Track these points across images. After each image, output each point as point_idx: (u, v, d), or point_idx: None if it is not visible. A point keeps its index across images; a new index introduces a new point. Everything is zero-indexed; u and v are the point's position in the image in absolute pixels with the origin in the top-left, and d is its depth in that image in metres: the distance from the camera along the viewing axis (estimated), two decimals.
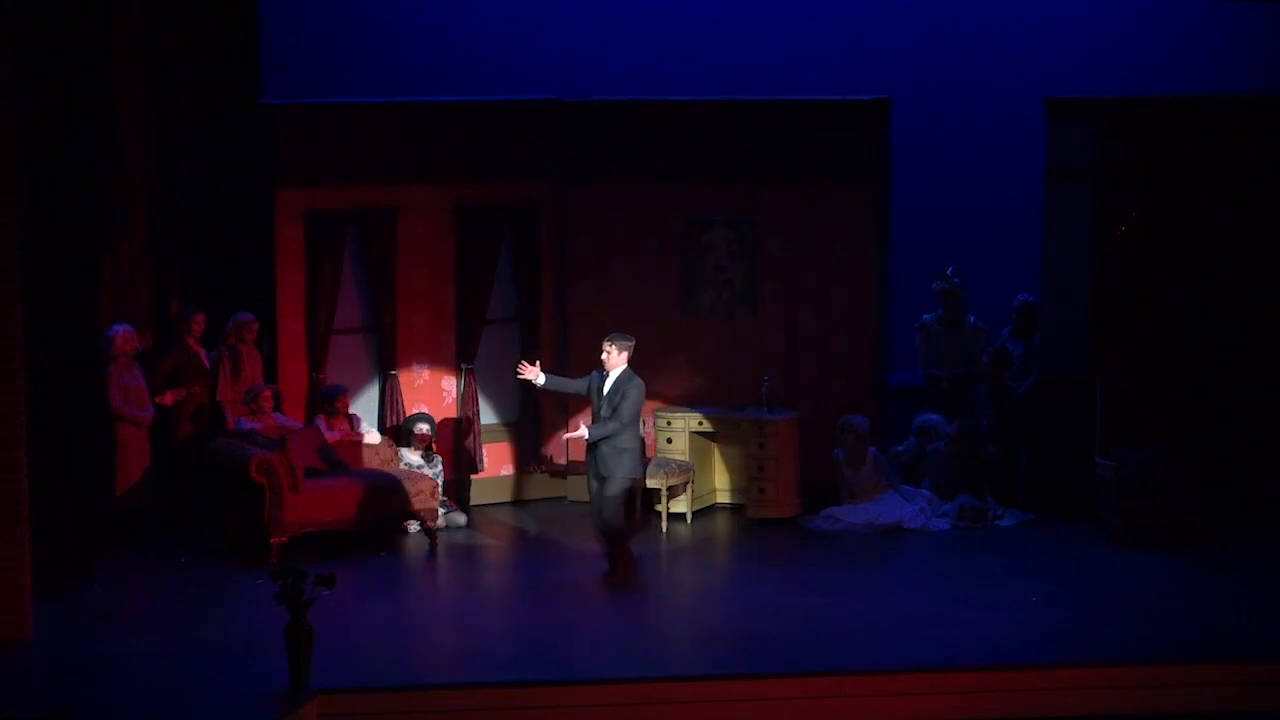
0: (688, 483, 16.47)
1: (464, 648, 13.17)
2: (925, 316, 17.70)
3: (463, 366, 16.76)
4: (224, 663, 12.44)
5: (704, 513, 16.62)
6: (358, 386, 16.46)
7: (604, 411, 14.22)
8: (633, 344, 14.42)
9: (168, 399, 15.66)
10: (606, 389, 14.25)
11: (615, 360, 14.29)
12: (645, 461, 14.75)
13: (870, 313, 17.05)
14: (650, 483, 16.28)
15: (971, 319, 17.61)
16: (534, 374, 14.53)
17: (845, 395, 16.88)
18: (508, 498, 17.08)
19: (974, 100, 19.07)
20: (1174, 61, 18.77)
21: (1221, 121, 16.19)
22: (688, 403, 16.87)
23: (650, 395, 16.71)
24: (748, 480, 16.49)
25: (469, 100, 16.98)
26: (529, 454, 17.15)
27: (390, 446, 16.01)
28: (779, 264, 17.09)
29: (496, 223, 16.88)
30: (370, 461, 15.80)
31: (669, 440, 16.63)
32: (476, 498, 16.81)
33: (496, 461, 17.05)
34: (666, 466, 16.33)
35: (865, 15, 19.10)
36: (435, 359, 16.67)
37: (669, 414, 16.70)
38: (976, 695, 12.34)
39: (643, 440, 14.58)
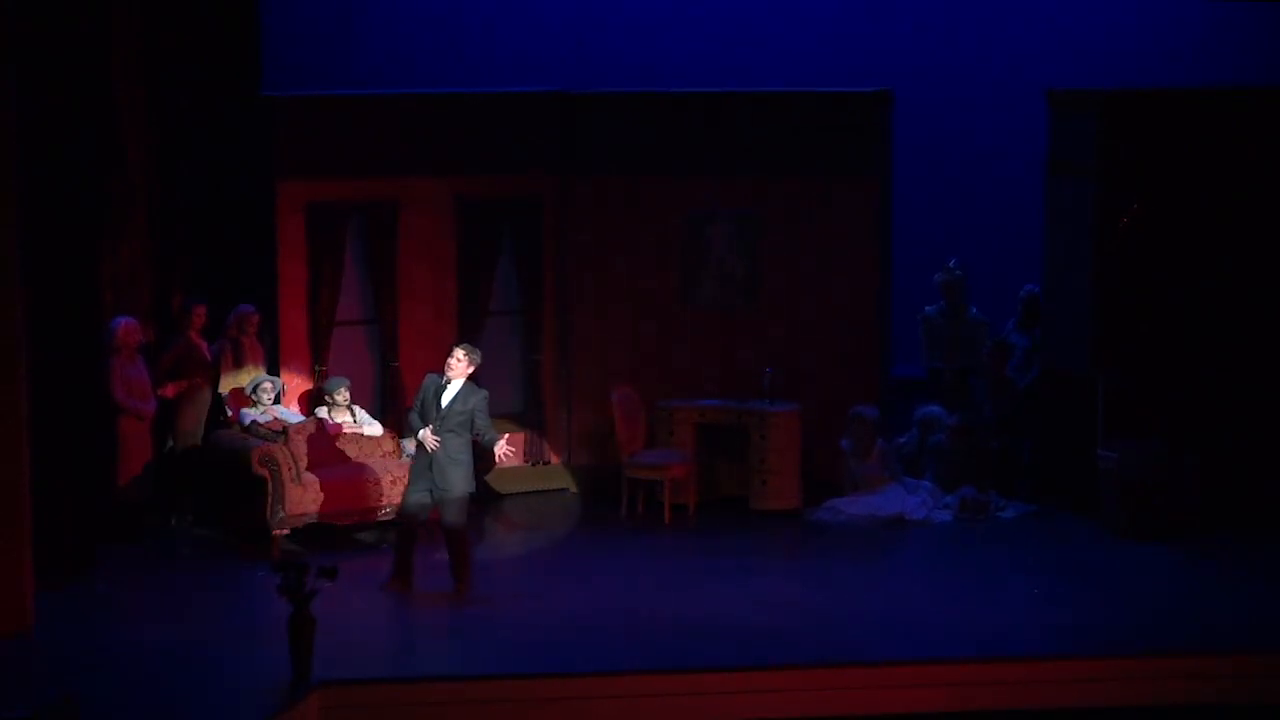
0: (689, 475, 16.49)
1: (466, 639, 13.17)
2: (927, 308, 17.70)
3: None
4: (226, 655, 12.45)
5: (706, 505, 16.63)
6: (360, 379, 16.46)
7: (449, 423, 13.68)
8: (480, 359, 13.98)
9: (169, 391, 15.66)
10: (446, 399, 13.79)
11: (461, 370, 13.83)
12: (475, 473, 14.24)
13: (871, 305, 17.03)
14: (652, 475, 16.31)
15: (973, 311, 17.62)
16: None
17: (847, 387, 16.87)
18: (511, 490, 17.09)
19: (975, 92, 19.06)
20: (1176, 54, 18.75)
21: (1224, 114, 16.16)
22: (689, 395, 16.87)
23: (652, 387, 16.81)
24: (749, 472, 16.50)
25: (471, 93, 16.98)
26: (532, 446, 17.16)
27: (392, 438, 16.02)
28: (780, 256, 17.08)
29: (498, 215, 16.89)
30: (372, 453, 15.81)
31: (670, 432, 16.64)
32: (479, 489, 16.79)
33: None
34: (668, 458, 16.35)
35: (866, 7, 19.09)
36: (438, 351, 16.67)
37: (671, 406, 16.71)
38: (977, 688, 12.35)
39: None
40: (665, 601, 14.01)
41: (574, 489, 17.14)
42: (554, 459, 17.28)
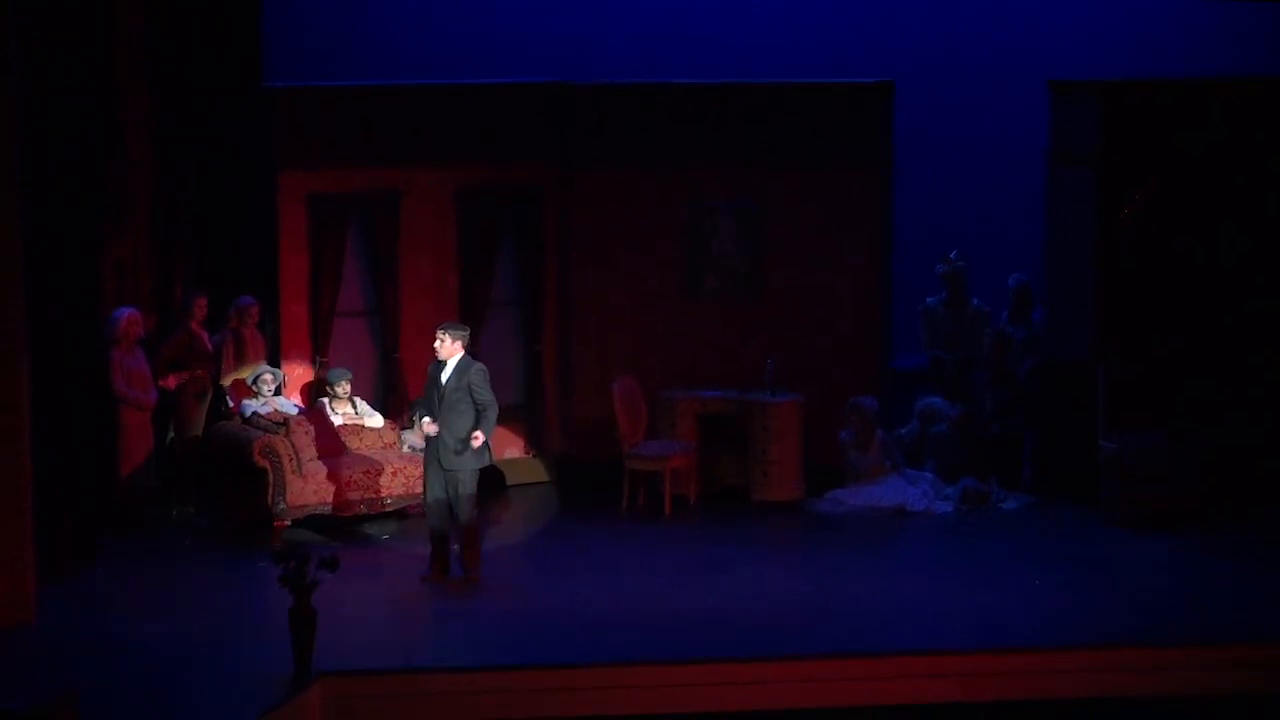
0: (691, 465, 16.49)
1: (467, 630, 13.18)
2: (929, 299, 17.70)
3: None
4: (227, 646, 12.46)
5: (707, 495, 16.63)
6: (361, 370, 16.46)
7: (449, 400, 13.82)
8: (467, 333, 14.13)
9: (170, 382, 15.67)
10: (445, 378, 13.91)
11: (450, 349, 13.94)
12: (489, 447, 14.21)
13: (873, 296, 17.04)
14: (654, 466, 16.31)
15: (975, 302, 17.62)
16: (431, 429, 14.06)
17: (848, 378, 16.88)
18: (512, 481, 17.08)
19: (977, 82, 19.04)
20: (1179, 44, 18.73)
21: (1226, 104, 16.17)
22: (691, 386, 16.87)
23: (655, 378, 16.80)
24: (751, 463, 16.50)
25: (472, 84, 16.96)
26: (533, 438, 17.17)
27: (393, 429, 16.03)
28: (782, 247, 17.08)
29: (500, 206, 16.88)
30: (373, 445, 15.82)
31: (672, 425, 16.63)
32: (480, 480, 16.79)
33: (500, 445, 17.04)
34: (670, 449, 16.35)
35: None
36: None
37: (673, 397, 16.71)
38: (979, 678, 12.36)
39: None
40: (666, 593, 14.00)
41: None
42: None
